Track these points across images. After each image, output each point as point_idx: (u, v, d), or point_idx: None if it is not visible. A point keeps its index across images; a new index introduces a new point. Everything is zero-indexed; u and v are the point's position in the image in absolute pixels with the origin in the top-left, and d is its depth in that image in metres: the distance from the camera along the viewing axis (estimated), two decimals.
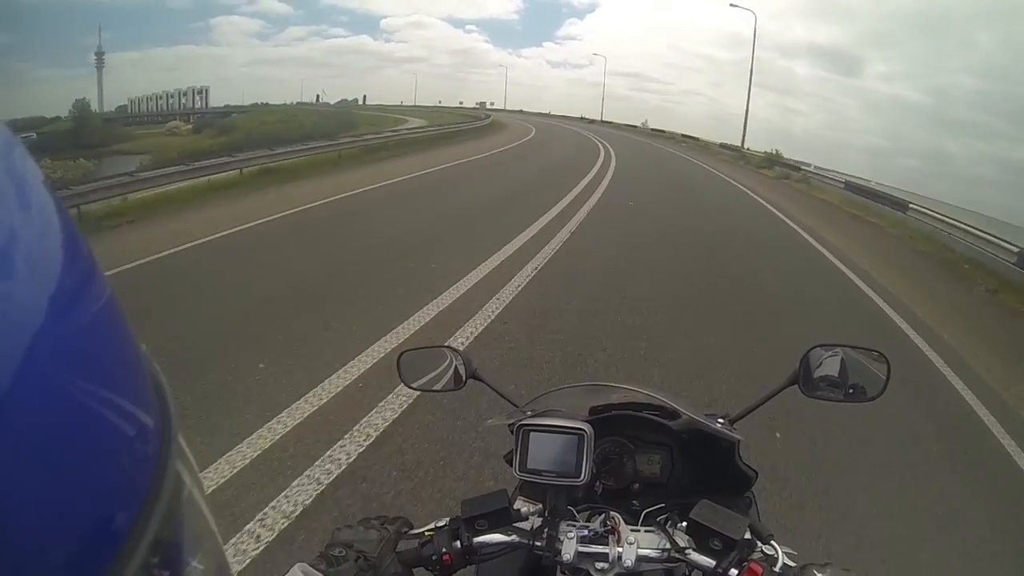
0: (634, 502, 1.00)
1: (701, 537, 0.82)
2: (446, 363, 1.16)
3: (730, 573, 0.78)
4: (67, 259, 0.32)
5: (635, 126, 45.22)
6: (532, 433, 0.86)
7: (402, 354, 1.16)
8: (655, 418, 1.04)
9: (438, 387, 1.17)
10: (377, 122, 35.74)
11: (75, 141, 27.57)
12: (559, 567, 0.87)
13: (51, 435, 0.26)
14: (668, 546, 0.83)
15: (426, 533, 0.87)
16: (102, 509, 0.28)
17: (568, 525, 0.87)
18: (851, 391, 1.06)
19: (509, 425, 0.92)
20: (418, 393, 3.12)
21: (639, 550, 0.83)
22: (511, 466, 0.89)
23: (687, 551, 0.82)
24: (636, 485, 1.02)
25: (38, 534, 0.24)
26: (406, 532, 0.87)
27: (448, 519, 0.88)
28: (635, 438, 1.04)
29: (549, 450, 0.85)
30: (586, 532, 0.86)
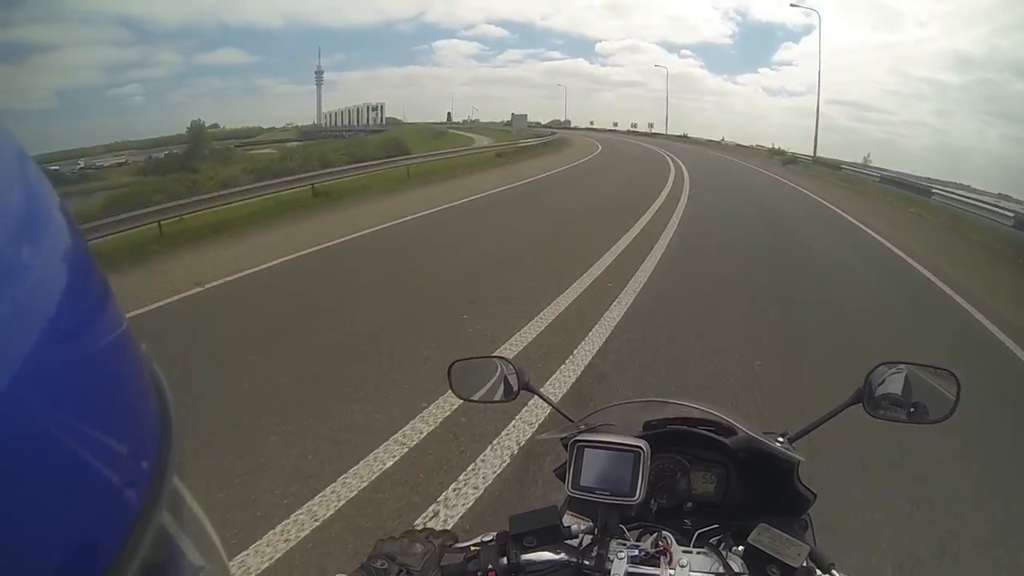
0: (687, 521, 0.96)
1: (757, 563, 0.80)
2: (497, 374, 1.12)
3: None
4: (66, 258, 0.32)
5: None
6: (587, 449, 0.84)
7: (453, 364, 1.12)
8: (711, 435, 1.01)
9: (489, 398, 1.12)
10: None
11: (182, 164, 27.35)
12: None
13: (50, 436, 0.26)
14: (722, 570, 0.81)
15: (472, 548, 0.85)
16: (101, 510, 0.28)
17: (619, 544, 0.84)
18: (912, 411, 0.98)
19: (562, 440, 0.91)
20: None
21: (691, 573, 0.80)
22: (561, 480, 0.87)
23: None
24: (689, 504, 0.99)
25: (39, 535, 0.25)
26: (451, 546, 0.85)
27: (495, 534, 0.85)
28: (690, 455, 1.00)
29: (603, 467, 0.84)
30: (637, 552, 0.83)
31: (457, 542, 0.88)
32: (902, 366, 1.00)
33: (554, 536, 0.84)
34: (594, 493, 0.84)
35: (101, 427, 0.29)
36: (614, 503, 0.84)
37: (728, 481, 1.00)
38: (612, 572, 0.81)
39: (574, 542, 0.87)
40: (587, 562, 0.83)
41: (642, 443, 0.83)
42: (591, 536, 0.86)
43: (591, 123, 61.75)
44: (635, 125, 52.94)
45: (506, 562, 0.83)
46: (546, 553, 0.84)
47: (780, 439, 1.00)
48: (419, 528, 0.88)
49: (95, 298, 0.34)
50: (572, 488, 0.85)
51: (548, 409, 1.91)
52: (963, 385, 0.96)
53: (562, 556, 0.84)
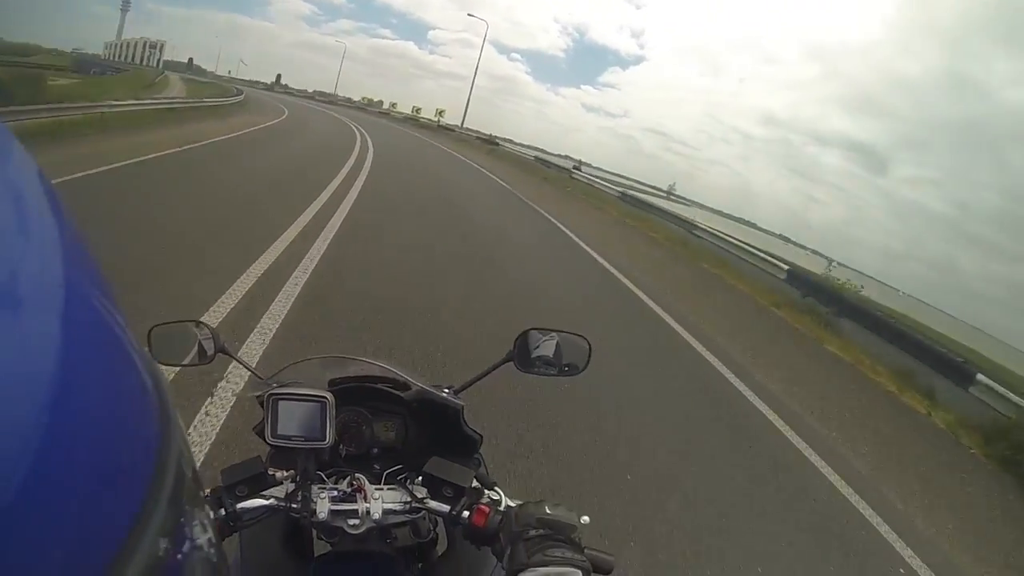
0: (375, 465, 1.05)
1: (435, 487, 0.94)
2: (194, 337, 1.14)
3: (463, 515, 0.91)
4: (66, 258, 0.32)
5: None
6: (280, 402, 0.89)
7: (152, 329, 1.11)
8: (389, 389, 1.12)
9: (186, 361, 1.14)
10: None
11: None
12: (315, 527, 0.96)
13: (49, 435, 0.26)
14: (408, 499, 0.94)
15: None
16: (101, 509, 0.28)
17: (319, 488, 0.92)
18: (566, 368, 1.16)
19: (257, 397, 0.94)
20: None
21: (384, 504, 0.92)
22: (262, 437, 0.92)
23: (425, 500, 0.93)
24: (376, 450, 1.08)
25: (38, 534, 0.25)
26: None
27: (210, 489, 0.90)
28: (372, 407, 1.10)
29: (296, 417, 0.89)
30: (336, 493, 0.92)
31: None
32: (553, 334, 1.15)
33: (262, 483, 0.92)
34: (291, 440, 0.89)
35: (100, 425, 0.29)
36: (309, 447, 0.90)
37: (407, 428, 1.11)
38: (317, 511, 0.89)
39: (280, 490, 0.93)
40: (294, 505, 0.90)
41: (327, 394, 0.90)
42: (294, 483, 0.93)
43: (392, 105, 58.18)
44: (418, 110, 52.47)
45: (224, 512, 0.88)
46: (258, 500, 0.90)
47: (446, 390, 1.11)
48: None
49: (91, 294, 0.33)
50: (272, 438, 0.89)
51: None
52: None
53: (272, 502, 0.91)
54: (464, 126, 44.01)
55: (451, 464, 0.96)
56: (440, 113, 45.61)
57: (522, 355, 1.15)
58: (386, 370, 1.12)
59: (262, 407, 0.91)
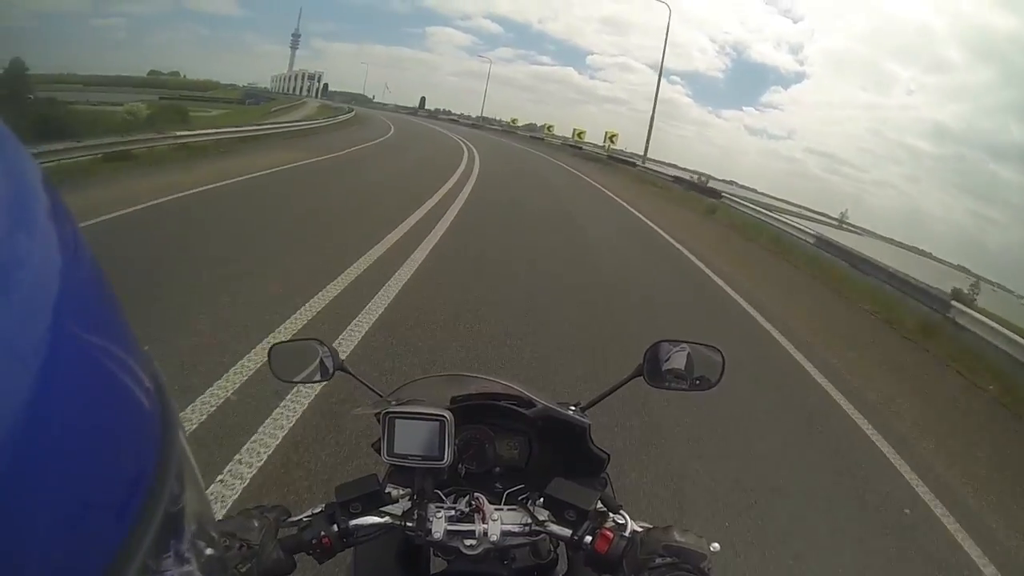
0: (497, 485, 1.03)
1: (557, 510, 0.89)
2: (314, 355, 1.16)
3: (585, 540, 0.87)
4: (67, 259, 0.32)
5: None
6: (397, 420, 0.89)
7: (272, 347, 1.16)
8: (512, 407, 1.10)
9: (305, 378, 1.17)
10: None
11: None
12: (430, 545, 0.93)
13: (51, 435, 0.26)
14: (529, 520, 0.91)
15: (304, 519, 0.89)
16: (103, 508, 0.29)
17: (436, 507, 0.91)
18: (697, 382, 1.12)
19: (375, 414, 0.94)
20: None
21: (503, 526, 0.90)
22: (378, 453, 0.91)
23: (546, 523, 0.90)
24: (498, 469, 1.06)
25: (39, 533, 0.25)
26: (285, 520, 0.89)
27: (324, 504, 0.91)
28: (495, 425, 1.08)
29: (414, 436, 0.89)
30: (453, 512, 0.91)
31: (290, 515, 0.90)
32: (683, 344, 1.12)
33: (377, 501, 0.90)
34: (407, 459, 0.89)
35: (101, 426, 0.29)
36: (427, 467, 0.90)
37: (530, 447, 1.09)
38: (433, 530, 0.88)
39: (396, 508, 0.92)
40: (409, 524, 0.89)
41: (446, 412, 0.90)
42: (411, 501, 0.92)
43: (548, 128, 52.64)
44: (580, 134, 38.03)
45: (336, 528, 0.88)
46: (372, 518, 0.90)
47: (572, 408, 1.10)
48: (251, 507, 0.89)
49: (94, 296, 0.34)
50: (388, 455, 0.90)
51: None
52: None
53: (387, 520, 0.90)
54: (648, 157, 31.03)
55: (574, 486, 0.91)
56: (611, 138, 34.20)
57: (652, 368, 1.12)
58: (509, 387, 1.10)
59: (380, 424, 0.91)
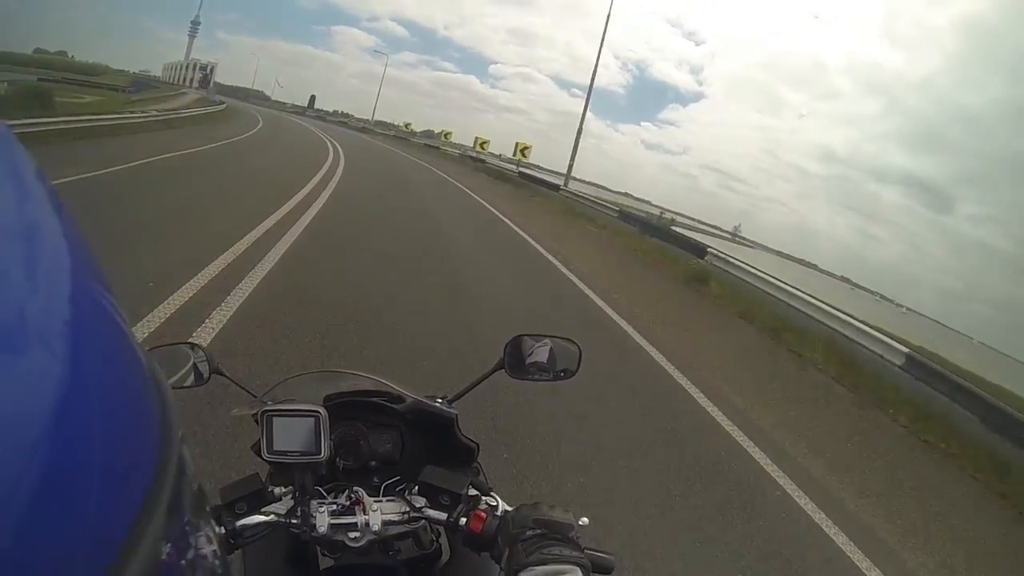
0: (375, 478, 1.05)
1: (432, 496, 0.95)
2: (189, 359, 1.16)
3: (460, 521, 0.91)
4: (67, 258, 0.32)
5: None
6: (275, 418, 0.90)
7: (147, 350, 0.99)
8: (383, 403, 1.12)
9: (181, 383, 1.15)
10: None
11: None
12: (316, 542, 0.95)
13: (50, 435, 0.26)
14: (407, 509, 0.95)
15: None
16: (102, 509, 0.29)
17: (318, 503, 0.93)
18: (561, 373, 1.18)
19: (252, 415, 0.95)
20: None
21: (383, 516, 0.92)
22: (259, 455, 0.92)
23: (423, 509, 0.94)
24: (374, 463, 1.08)
25: (39, 535, 0.25)
26: None
27: (209, 507, 0.81)
28: (367, 421, 1.10)
29: (291, 433, 0.90)
30: (335, 507, 0.93)
31: None
32: (545, 339, 1.16)
33: (261, 500, 0.91)
34: (287, 455, 0.89)
35: (101, 426, 0.29)
36: (305, 462, 0.90)
37: (403, 440, 1.11)
38: (317, 525, 0.89)
39: (280, 506, 0.92)
40: (294, 520, 0.90)
41: (320, 408, 0.90)
42: (293, 499, 0.93)
43: (445, 135, 47.35)
44: (484, 144, 33.27)
45: (223, 530, 0.87)
46: (257, 517, 0.90)
47: (439, 400, 1.13)
48: None
49: (93, 296, 0.33)
50: (268, 454, 0.89)
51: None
52: None
53: (272, 518, 0.91)
54: (573, 177, 24.33)
55: (446, 472, 0.97)
56: (523, 151, 27.10)
57: (514, 362, 1.16)
58: (379, 383, 1.12)
59: (257, 424, 0.91)
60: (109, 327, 0.34)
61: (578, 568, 0.76)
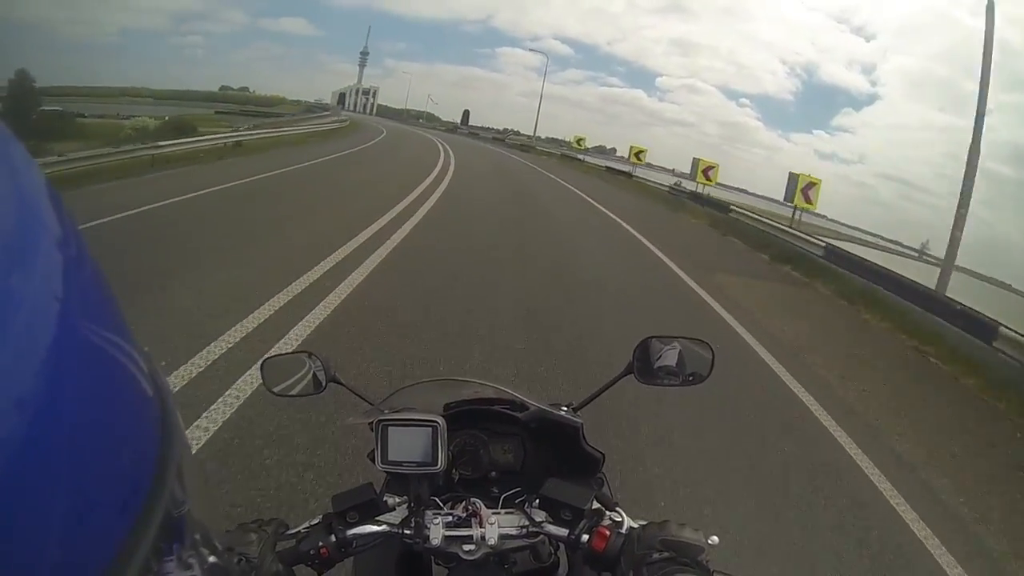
0: (493, 489, 1.03)
1: (553, 511, 0.90)
2: (306, 368, 1.17)
3: (582, 539, 0.87)
4: (68, 260, 0.32)
5: None
6: (390, 428, 0.89)
7: (264, 361, 1.17)
8: (505, 411, 1.09)
9: (298, 392, 1.17)
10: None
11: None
12: (429, 553, 0.93)
13: (52, 435, 0.26)
14: (526, 523, 0.91)
15: (302, 531, 0.89)
16: (102, 508, 0.29)
17: (433, 513, 0.91)
18: (690, 377, 1.12)
19: (368, 424, 0.95)
20: None
21: (500, 529, 0.89)
22: (374, 463, 0.91)
23: (543, 524, 0.91)
24: (493, 473, 1.06)
25: (39, 532, 0.25)
26: (283, 532, 0.89)
27: (321, 516, 0.91)
28: (488, 430, 1.08)
29: (407, 443, 0.89)
30: (451, 518, 0.91)
31: (288, 528, 0.89)
32: (674, 342, 1.11)
33: (374, 510, 0.90)
34: (402, 466, 0.89)
35: (102, 427, 0.29)
36: (421, 473, 0.89)
37: (525, 450, 1.08)
38: (431, 537, 0.87)
39: (393, 516, 0.91)
40: (407, 531, 0.89)
41: (438, 418, 0.89)
42: (407, 508, 0.91)
43: (578, 141, 42.22)
44: (639, 153, 27.62)
45: (334, 539, 0.87)
46: (369, 526, 0.90)
47: (564, 408, 1.08)
48: (249, 521, 0.88)
49: (95, 298, 0.34)
50: (382, 463, 0.89)
51: None
52: None
53: (384, 528, 0.90)
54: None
55: (569, 485, 0.92)
56: (705, 172, 20.14)
57: (643, 365, 1.12)
58: (501, 391, 1.09)
59: (373, 433, 0.90)
60: (110, 327, 0.33)
61: None
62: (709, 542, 0.79)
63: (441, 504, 0.94)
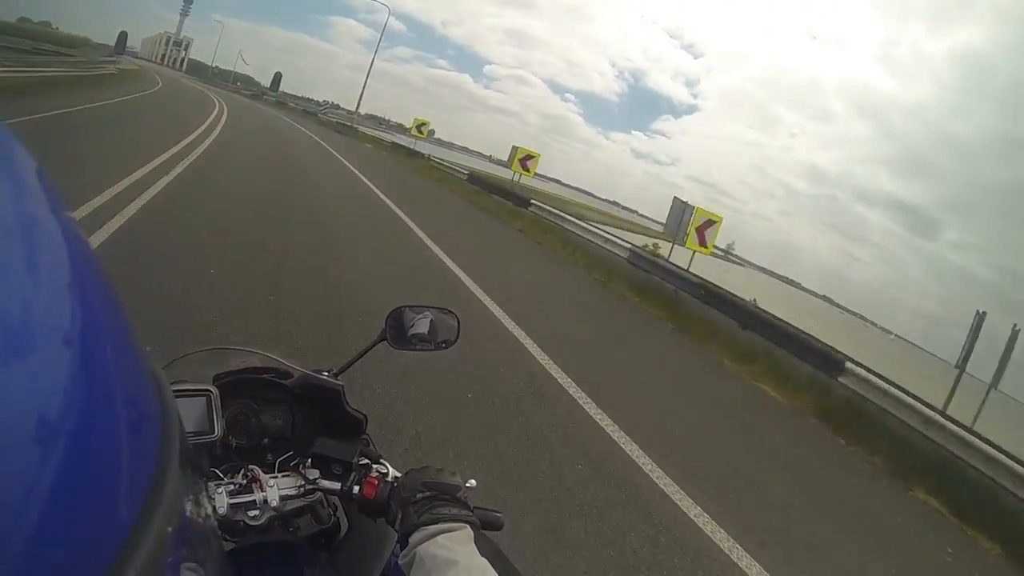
0: (268, 455, 1.05)
1: (325, 467, 0.97)
2: None
3: (354, 490, 0.94)
4: (68, 259, 0.32)
5: None
6: None
7: None
8: (271, 379, 1.11)
9: None
10: None
11: None
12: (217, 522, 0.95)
13: (51, 434, 0.26)
14: (302, 482, 0.96)
15: None
16: (102, 509, 0.29)
17: (216, 484, 0.92)
18: (442, 344, 1.21)
19: None
20: None
21: (280, 491, 0.93)
22: None
23: (317, 481, 0.96)
24: (266, 440, 1.07)
25: (38, 534, 0.25)
26: None
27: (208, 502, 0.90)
28: (258, 398, 1.09)
29: (183, 413, 0.81)
30: (233, 486, 0.92)
31: None
32: (426, 312, 1.20)
33: None
34: None
35: (101, 426, 0.29)
36: (200, 443, 0.90)
37: (293, 415, 1.09)
38: (216, 506, 0.88)
39: None
40: None
41: (212, 387, 0.92)
42: None
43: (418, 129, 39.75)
44: (420, 125, 27.73)
45: None
46: None
47: (325, 373, 1.11)
48: None
49: (95, 296, 0.33)
50: None
51: None
52: None
53: None
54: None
55: (336, 443, 0.99)
56: (526, 163, 18.42)
57: (396, 333, 1.18)
58: (267, 359, 1.11)
59: None
60: (110, 326, 0.34)
61: (467, 525, 0.80)
62: (468, 484, 0.88)
63: (221, 475, 0.95)
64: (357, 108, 42.48)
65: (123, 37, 37.74)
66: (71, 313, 0.30)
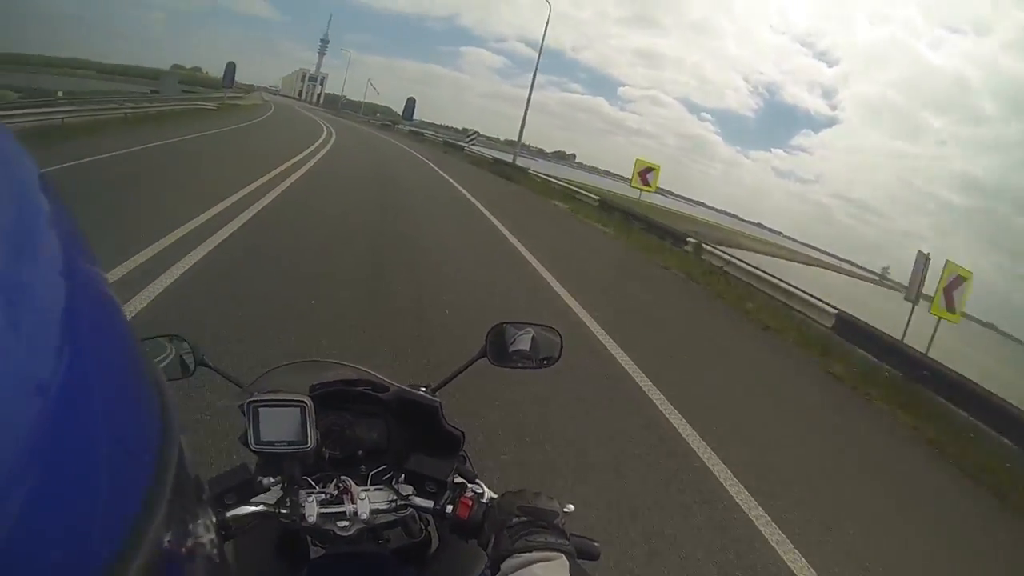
0: (361, 467, 1.05)
1: (419, 484, 0.96)
2: (167, 352, 1.13)
3: (447, 509, 0.93)
4: (68, 259, 0.32)
5: None
6: (260, 409, 0.90)
7: None
8: (368, 392, 1.11)
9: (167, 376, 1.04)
10: None
11: None
12: (306, 532, 0.97)
13: (51, 435, 0.26)
14: (394, 497, 0.96)
15: None
16: (103, 509, 0.29)
17: (307, 492, 0.92)
18: (544, 361, 1.18)
19: (239, 406, 0.96)
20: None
21: (371, 504, 0.93)
22: (247, 445, 0.92)
23: (410, 497, 0.96)
24: (360, 452, 1.07)
25: (39, 534, 0.25)
26: None
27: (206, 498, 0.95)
28: (353, 410, 1.09)
29: (278, 423, 0.89)
30: (323, 496, 0.93)
31: None
32: (528, 328, 1.17)
33: (250, 491, 0.91)
34: (274, 446, 0.89)
35: (101, 427, 0.30)
36: (292, 452, 0.89)
37: (389, 429, 1.09)
38: (306, 514, 0.89)
39: (269, 496, 0.92)
40: (283, 510, 0.90)
41: (306, 397, 0.90)
42: (282, 488, 0.93)
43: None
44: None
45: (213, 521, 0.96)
46: (247, 508, 0.90)
47: (423, 389, 1.12)
48: None
49: (94, 293, 0.34)
50: (255, 444, 0.89)
51: None
52: None
53: (261, 508, 0.90)
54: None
55: (432, 460, 0.97)
56: (646, 177, 16.84)
57: (496, 349, 1.16)
58: (363, 372, 1.11)
59: (244, 415, 0.91)
60: (109, 324, 0.34)
61: (563, 555, 0.78)
62: (565, 509, 0.85)
63: (313, 483, 0.95)
64: (519, 139, 34.65)
65: (231, 69, 36.75)
66: (70, 311, 0.29)
